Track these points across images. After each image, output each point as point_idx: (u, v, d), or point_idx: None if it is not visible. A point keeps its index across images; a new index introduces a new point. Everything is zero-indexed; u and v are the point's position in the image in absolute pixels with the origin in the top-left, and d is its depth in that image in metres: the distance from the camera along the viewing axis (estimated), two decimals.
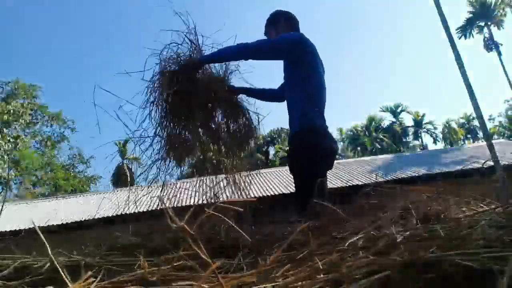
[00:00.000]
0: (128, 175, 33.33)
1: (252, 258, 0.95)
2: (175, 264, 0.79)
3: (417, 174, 10.74)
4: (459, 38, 27.65)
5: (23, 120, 20.57)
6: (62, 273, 0.58)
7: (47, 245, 0.73)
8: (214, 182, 2.22)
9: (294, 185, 2.20)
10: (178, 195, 2.27)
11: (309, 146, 2.10)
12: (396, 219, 0.97)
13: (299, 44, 2.18)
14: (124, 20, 73.37)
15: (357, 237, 0.79)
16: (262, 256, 0.95)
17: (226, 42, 2.20)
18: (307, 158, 2.10)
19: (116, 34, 71.29)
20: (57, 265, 0.62)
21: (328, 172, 2.30)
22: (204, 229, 1.31)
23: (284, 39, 2.22)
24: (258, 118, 2.40)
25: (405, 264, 0.51)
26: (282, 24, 2.39)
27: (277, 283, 0.65)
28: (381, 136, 34.15)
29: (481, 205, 1.02)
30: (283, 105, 2.38)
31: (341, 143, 39.57)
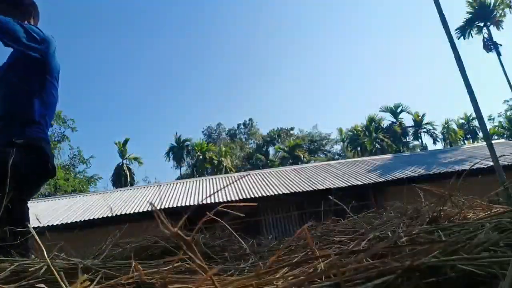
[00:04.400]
0: (128, 174, 33.38)
1: (254, 262, 0.95)
2: (173, 266, 0.78)
3: (416, 174, 10.73)
4: (458, 39, 27.65)
5: None
6: (57, 277, 0.57)
7: (43, 248, 0.73)
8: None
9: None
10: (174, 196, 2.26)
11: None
12: (402, 221, 0.96)
13: (47, 44, 1.91)
14: (125, 19, 73.45)
15: (359, 239, 0.78)
16: (263, 260, 0.94)
17: None
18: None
19: (116, 34, 71.35)
20: (53, 268, 0.61)
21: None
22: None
23: (33, 30, 1.87)
24: None
25: (406, 269, 0.50)
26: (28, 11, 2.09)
27: (276, 285, 0.64)
28: (381, 136, 34.14)
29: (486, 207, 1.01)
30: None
31: (341, 143, 39.60)
